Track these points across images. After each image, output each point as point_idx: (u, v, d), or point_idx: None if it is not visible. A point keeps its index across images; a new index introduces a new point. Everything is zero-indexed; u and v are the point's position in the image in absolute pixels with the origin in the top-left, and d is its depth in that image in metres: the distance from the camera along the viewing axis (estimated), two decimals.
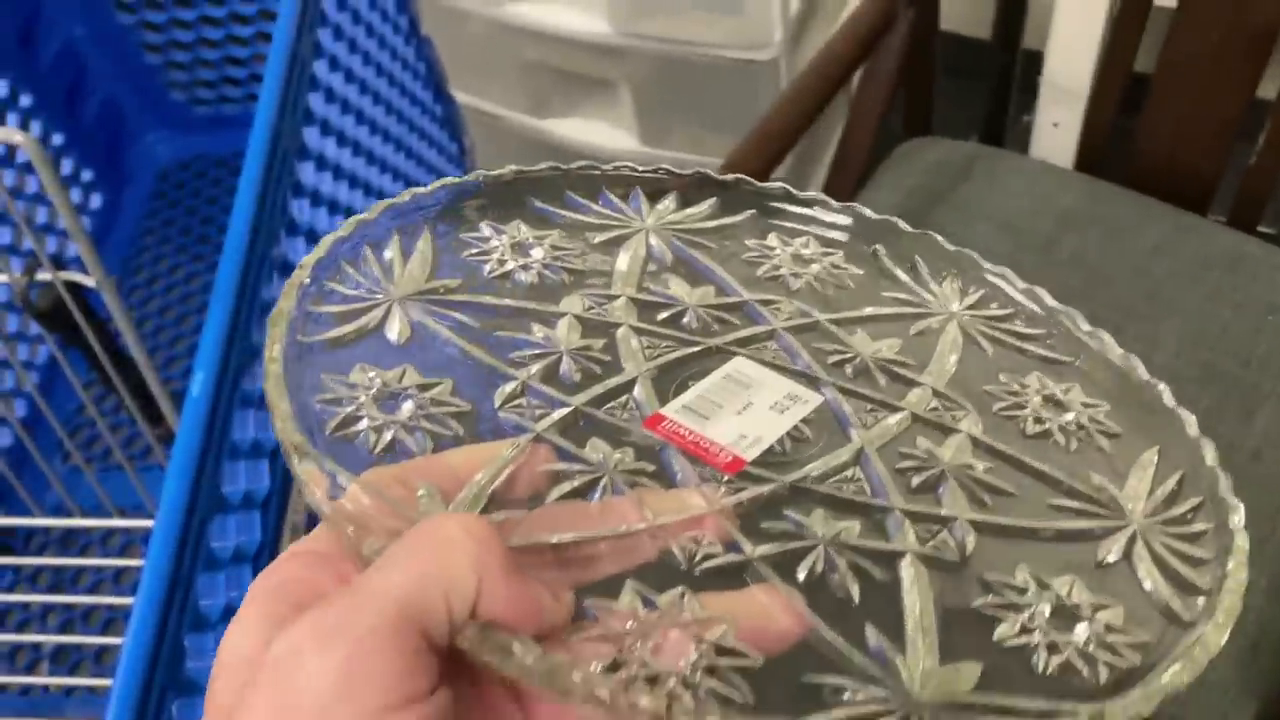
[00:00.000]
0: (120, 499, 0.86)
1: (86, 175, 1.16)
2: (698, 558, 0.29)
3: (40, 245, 0.69)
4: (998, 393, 0.38)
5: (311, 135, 0.70)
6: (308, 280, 0.35)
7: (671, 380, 0.36)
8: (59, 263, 0.71)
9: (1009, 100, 1.29)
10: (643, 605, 0.27)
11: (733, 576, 0.29)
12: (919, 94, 1.03)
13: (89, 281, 0.68)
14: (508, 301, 0.38)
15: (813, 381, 0.37)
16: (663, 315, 0.39)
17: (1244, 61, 0.83)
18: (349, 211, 0.75)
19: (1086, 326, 0.41)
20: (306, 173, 0.68)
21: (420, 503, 0.28)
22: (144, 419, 0.77)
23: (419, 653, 0.22)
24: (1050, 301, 0.42)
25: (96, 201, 1.17)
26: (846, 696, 0.26)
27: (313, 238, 0.67)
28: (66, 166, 1.13)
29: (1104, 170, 0.97)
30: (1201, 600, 0.30)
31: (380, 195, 0.81)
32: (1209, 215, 0.92)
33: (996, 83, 1.28)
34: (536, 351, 0.35)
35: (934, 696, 0.26)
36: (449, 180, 0.41)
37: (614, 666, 0.25)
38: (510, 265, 0.40)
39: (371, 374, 0.33)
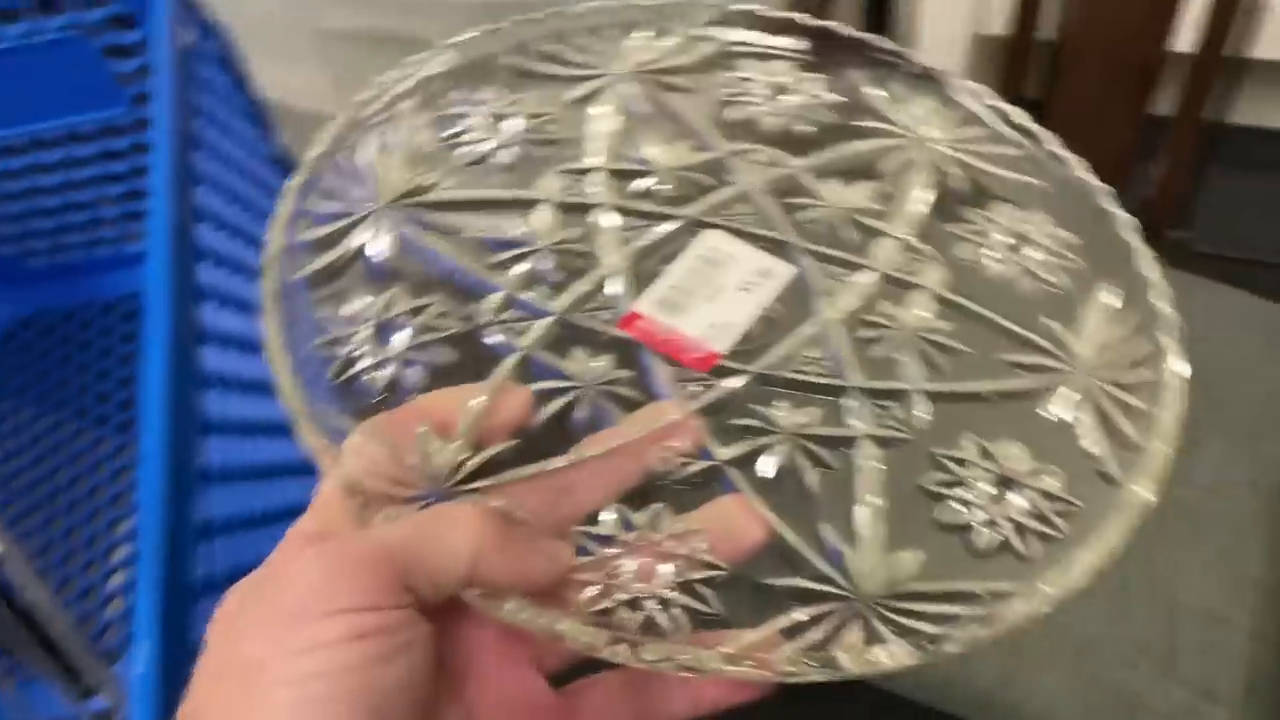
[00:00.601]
0: None
1: None
2: (673, 469, 0.33)
3: None
4: (964, 232, 0.40)
5: (205, 270, 0.64)
6: (293, 209, 0.37)
7: (648, 266, 0.38)
8: None
9: None
10: (624, 526, 0.31)
11: (705, 483, 0.33)
12: None
13: None
14: (487, 193, 0.39)
15: (782, 248, 0.39)
16: (638, 186, 0.40)
17: (1133, 91, 0.88)
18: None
19: (1059, 149, 0.42)
20: (208, 313, 0.62)
21: (420, 441, 0.32)
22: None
23: (393, 583, 0.27)
24: (1021, 119, 0.42)
25: None
26: (800, 602, 0.30)
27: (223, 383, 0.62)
28: None
29: None
30: (1133, 458, 0.34)
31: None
32: None
33: None
34: (518, 251, 0.38)
35: (879, 589, 0.31)
36: (413, 59, 0.41)
37: (603, 594, 0.30)
38: (487, 146, 0.41)
39: (366, 301, 0.35)
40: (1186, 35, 0.90)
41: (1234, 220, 1.35)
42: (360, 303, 0.35)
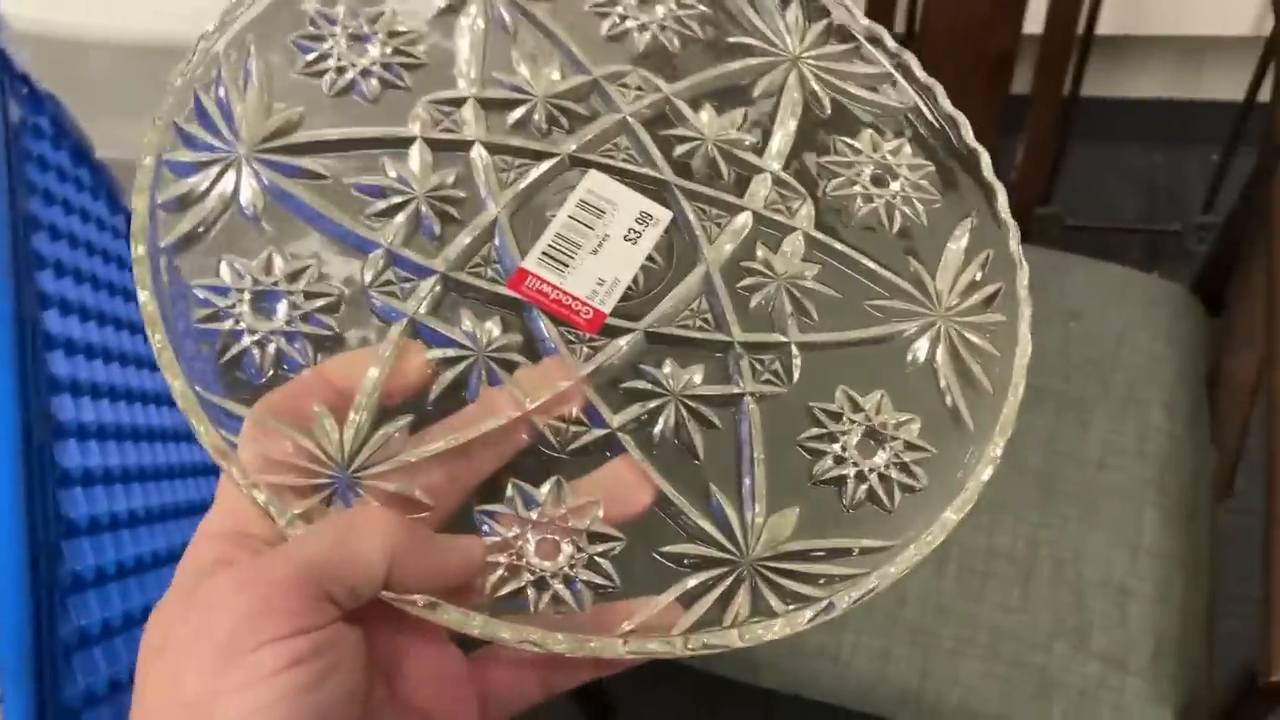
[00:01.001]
0: None
1: None
2: (567, 437, 0.34)
3: None
4: (832, 166, 0.41)
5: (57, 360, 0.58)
6: (152, 164, 0.35)
7: (529, 213, 0.38)
8: None
9: None
10: (523, 502, 0.32)
11: (598, 450, 0.34)
12: None
13: None
14: (355, 131, 0.38)
15: (662, 189, 0.39)
16: (512, 117, 0.39)
17: (991, 77, 0.90)
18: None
19: (921, 73, 0.42)
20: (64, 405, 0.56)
21: (317, 423, 0.32)
22: None
23: (318, 601, 0.28)
24: (889, 41, 0.43)
25: None
26: (690, 564, 0.33)
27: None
28: None
29: None
30: (986, 408, 0.37)
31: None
32: None
33: None
34: (394, 201, 0.37)
35: (761, 550, 0.33)
36: None
37: (509, 576, 0.31)
38: (350, 74, 0.39)
39: (239, 267, 0.34)
40: (1036, 18, 0.91)
41: (1098, 191, 1.38)
42: (236, 267, 0.34)
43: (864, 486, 0.35)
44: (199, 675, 0.26)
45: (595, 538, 0.33)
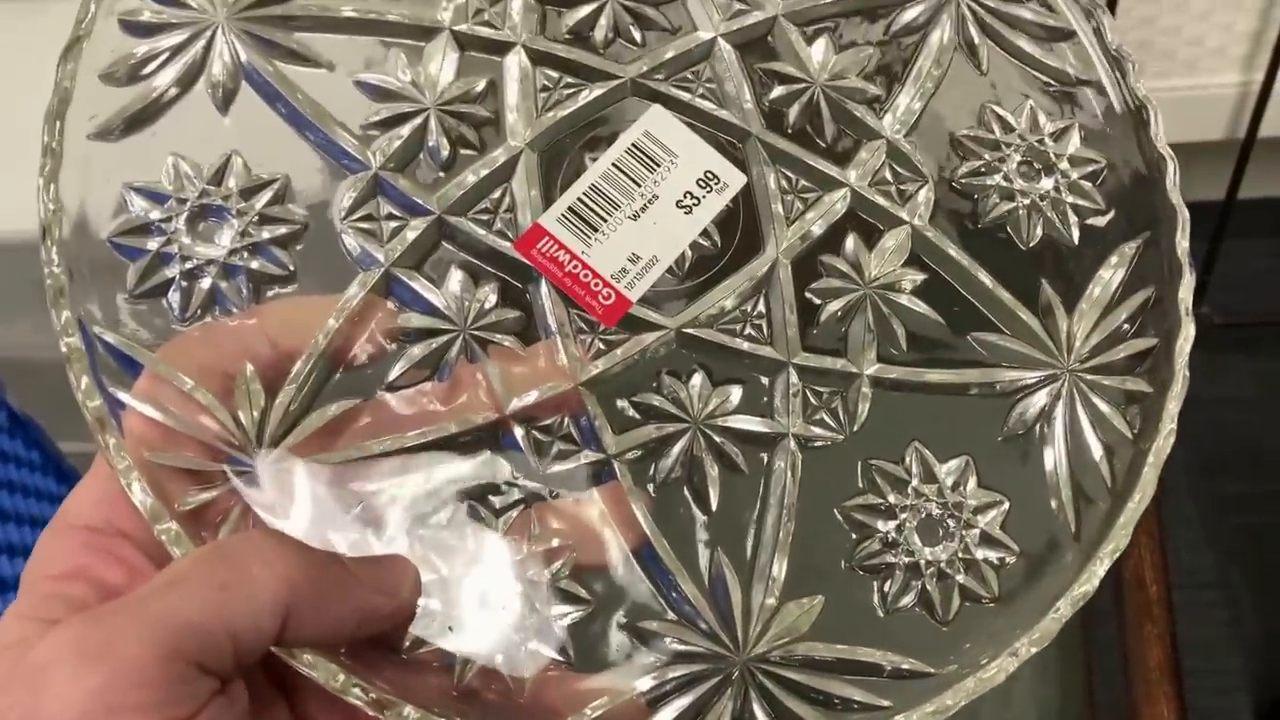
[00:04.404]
0: None
1: None
2: (548, 456, 0.27)
3: None
4: (971, 141, 0.32)
5: None
6: (94, 12, 0.27)
7: (564, 152, 0.30)
8: None
9: None
10: (471, 538, 0.26)
11: (584, 479, 0.27)
12: None
13: None
14: (369, 8, 0.30)
15: (741, 142, 0.30)
16: (571, 19, 0.31)
17: None
18: None
19: (1114, 39, 0.32)
20: None
21: (239, 388, 0.25)
22: None
23: (185, 681, 0.21)
24: None
25: None
26: (666, 648, 0.26)
27: None
28: None
29: None
30: (1099, 507, 0.28)
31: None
32: None
33: None
34: (399, 111, 0.29)
35: (765, 647, 0.26)
36: None
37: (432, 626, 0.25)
38: None
39: (185, 169, 0.27)
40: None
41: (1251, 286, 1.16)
42: (183, 169, 0.27)
43: (915, 585, 0.27)
44: None
45: (556, 595, 0.26)
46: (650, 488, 0.27)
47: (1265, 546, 1.01)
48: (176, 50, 0.28)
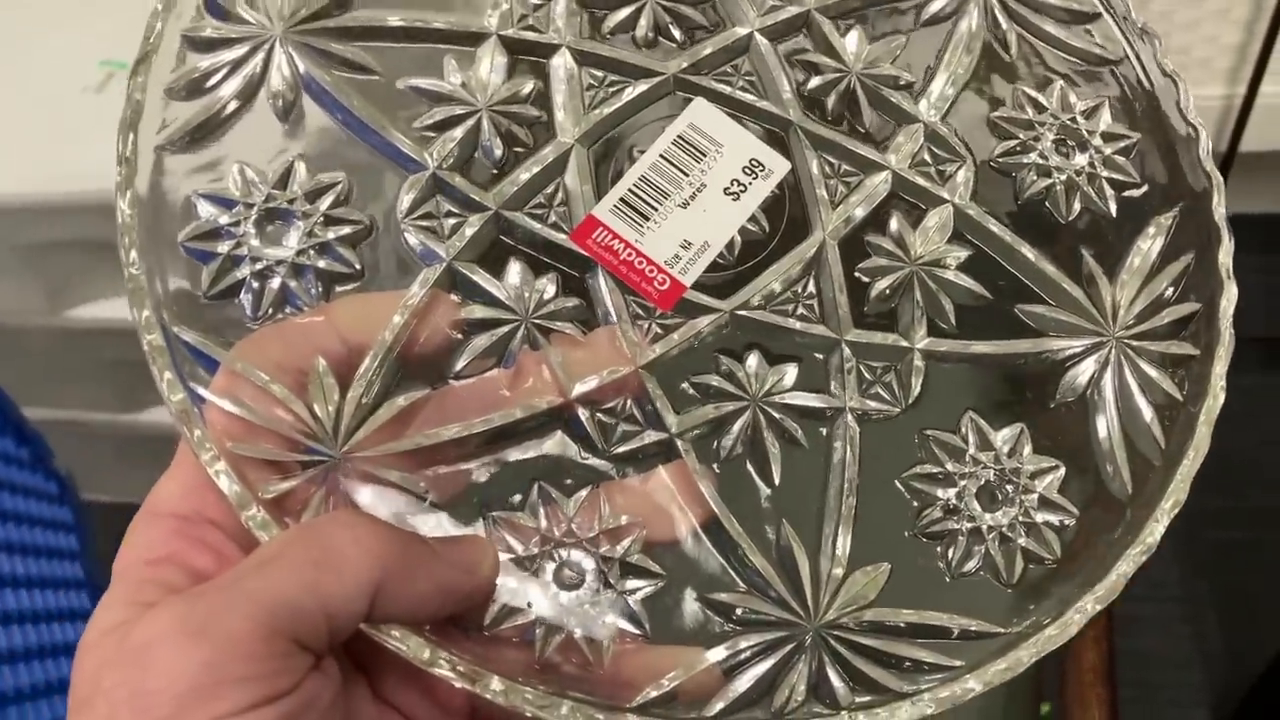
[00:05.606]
0: None
1: None
2: (613, 437, 0.28)
3: None
4: (1005, 122, 0.32)
5: None
6: (160, 30, 0.28)
7: (613, 147, 0.31)
8: None
9: None
10: (546, 513, 0.26)
11: (650, 457, 0.28)
12: None
13: None
14: (418, 18, 0.31)
15: (784, 131, 0.31)
16: (614, 20, 0.32)
17: None
18: None
19: (1140, 18, 0.33)
20: None
21: (313, 383, 0.26)
22: None
23: (287, 656, 0.22)
24: None
25: None
26: (738, 618, 0.26)
27: None
28: None
29: None
30: (1154, 468, 0.29)
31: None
32: None
33: None
34: (451, 114, 0.30)
35: (835, 614, 0.26)
36: None
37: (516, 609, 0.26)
38: None
39: (251, 175, 0.28)
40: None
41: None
42: (249, 175, 0.28)
43: (978, 549, 0.28)
44: None
45: (629, 570, 0.26)
46: (714, 465, 0.28)
47: (1234, 562, 1.01)
48: (237, 64, 0.29)
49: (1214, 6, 0.95)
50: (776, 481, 0.28)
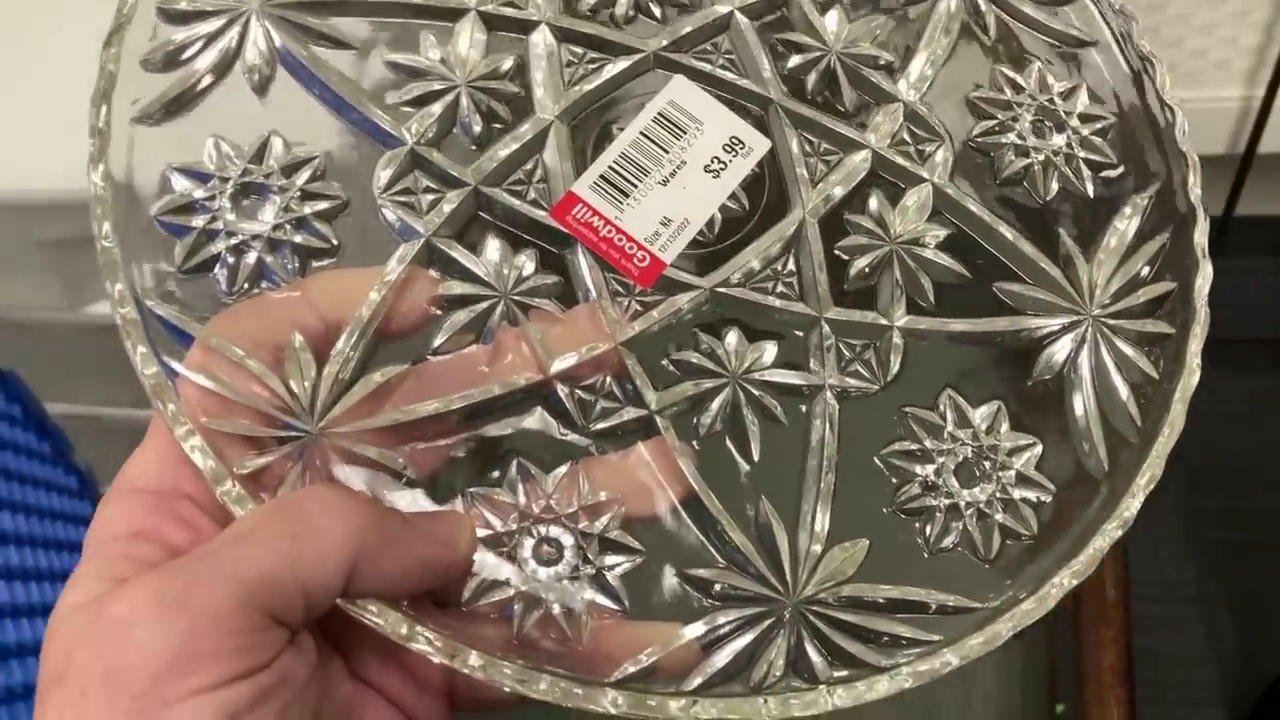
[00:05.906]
0: None
1: None
2: (592, 414, 0.28)
3: None
4: (984, 102, 0.33)
5: None
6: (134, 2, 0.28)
7: (593, 123, 0.30)
8: None
9: None
10: (524, 489, 0.26)
11: (629, 434, 0.28)
12: None
13: None
14: None
15: (764, 109, 0.31)
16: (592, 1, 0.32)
17: None
18: None
19: (1117, 1, 0.33)
20: None
21: (290, 358, 0.26)
22: None
23: (263, 630, 0.22)
24: None
25: None
26: (717, 593, 0.26)
27: None
28: None
29: None
30: (1130, 445, 0.29)
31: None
32: None
33: None
34: (431, 88, 0.30)
35: (814, 589, 0.27)
36: None
37: (495, 585, 0.25)
38: None
39: (227, 149, 0.28)
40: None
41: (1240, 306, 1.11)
42: (224, 149, 0.28)
43: (956, 526, 0.28)
44: None
45: (608, 546, 0.26)
46: (694, 442, 0.28)
47: (1248, 562, 1.02)
48: (212, 37, 0.29)
49: (1232, 9, 0.95)
50: (756, 458, 0.28)
